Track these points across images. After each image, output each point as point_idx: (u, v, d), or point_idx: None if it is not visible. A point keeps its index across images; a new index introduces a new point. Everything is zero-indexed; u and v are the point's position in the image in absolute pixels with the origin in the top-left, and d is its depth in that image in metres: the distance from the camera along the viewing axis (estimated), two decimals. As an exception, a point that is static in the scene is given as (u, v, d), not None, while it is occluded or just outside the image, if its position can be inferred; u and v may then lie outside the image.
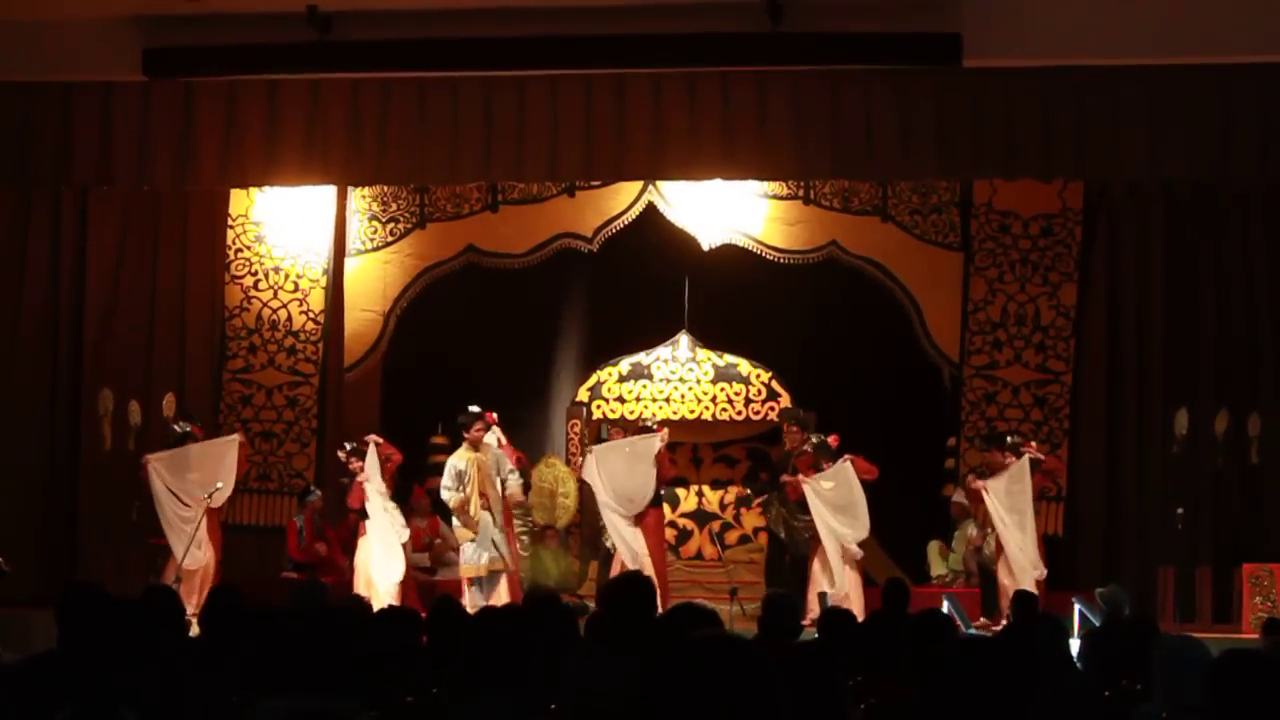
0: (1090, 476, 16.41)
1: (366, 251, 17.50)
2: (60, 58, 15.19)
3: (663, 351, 17.33)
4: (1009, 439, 15.53)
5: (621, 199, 17.19)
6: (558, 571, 16.60)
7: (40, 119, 15.43)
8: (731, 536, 17.34)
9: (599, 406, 17.18)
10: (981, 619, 14.79)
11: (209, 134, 15.33)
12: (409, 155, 15.26)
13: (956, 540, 16.41)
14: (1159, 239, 16.42)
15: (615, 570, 15.16)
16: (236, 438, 15.79)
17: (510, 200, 17.41)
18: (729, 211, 17.01)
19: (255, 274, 17.12)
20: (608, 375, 17.30)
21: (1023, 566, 14.79)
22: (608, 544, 15.86)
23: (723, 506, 17.56)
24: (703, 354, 17.29)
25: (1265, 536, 15.77)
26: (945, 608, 14.05)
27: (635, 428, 16.24)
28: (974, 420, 16.59)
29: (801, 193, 17.07)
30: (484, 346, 17.24)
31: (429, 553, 16.56)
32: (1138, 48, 14.27)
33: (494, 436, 15.55)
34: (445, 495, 15.28)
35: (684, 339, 17.35)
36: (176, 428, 15.84)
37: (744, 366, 17.24)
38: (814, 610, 14.06)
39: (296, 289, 17.08)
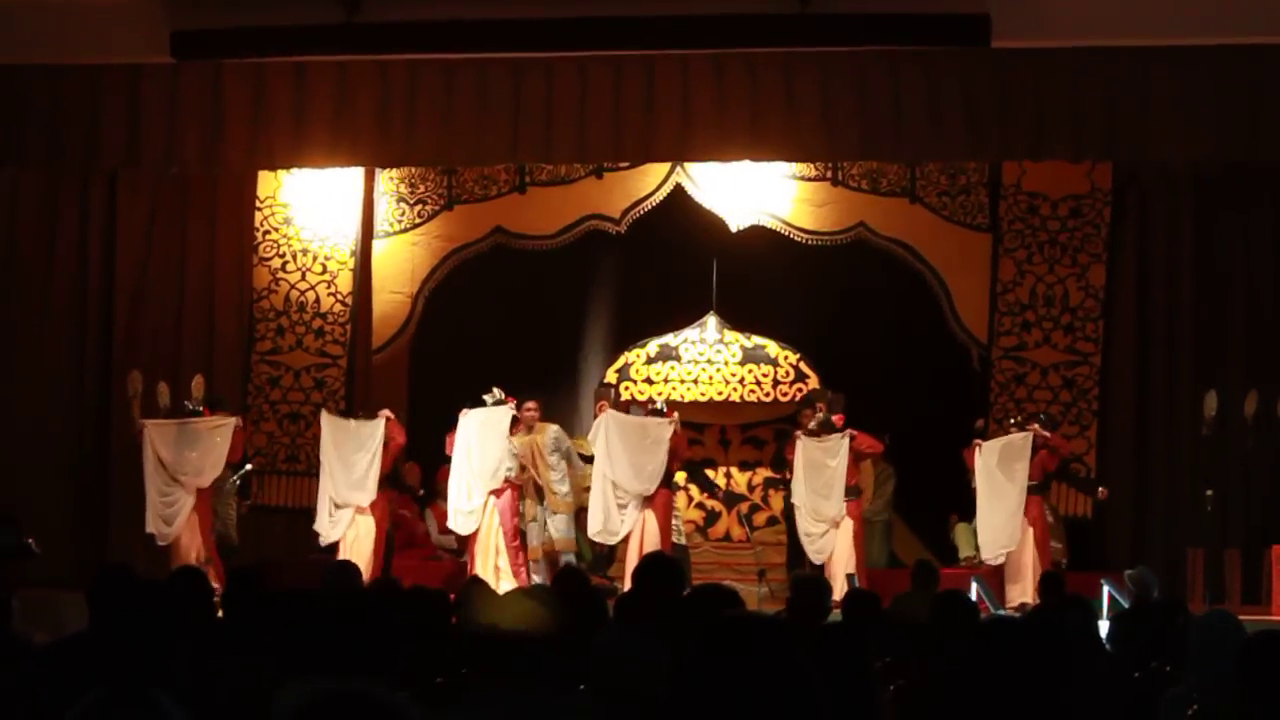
0: (1119, 458, 16.38)
1: (394, 233, 17.50)
2: (89, 40, 15.23)
3: (691, 333, 17.27)
4: (1040, 417, 15.61)
5: (649, 180, 17.16)
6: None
7: (69, 102, 15.46)
8: (760, 518, 17.32)
9: (627, 388, 17.10)
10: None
11: (237, 116, 15.36)
12: (437, 137, 15.29)
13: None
14: (1188, 220, 16.38)
15: (631, 549, 15.21)
16: (234, 420, 15.82)
17: (538, 182, 17.39)
18: (757, 193, 16.96)
19: (283, 256, 17.14)
20: (636, 357, 17.24)
21: (993, 536, 14.87)
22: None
23: (750, 488, 17.54)
24: (730, 335, 17.23)
25: (1295, 518, 15.75)
26: (974, 589, 14.11)
27: (645, 409, 16.05)
28: (1003, 402, 16.54)
29: (830, 174, 17.02)
30: (512, 328, 17.27)
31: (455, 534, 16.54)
32: (1166, 28, 14.24)
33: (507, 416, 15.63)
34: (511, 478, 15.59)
35: (712, 320, 17.30)
36: (188, 403, 15.86)
37: (772, 348, 17.18)
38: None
39: (325, 271, 17.11)
